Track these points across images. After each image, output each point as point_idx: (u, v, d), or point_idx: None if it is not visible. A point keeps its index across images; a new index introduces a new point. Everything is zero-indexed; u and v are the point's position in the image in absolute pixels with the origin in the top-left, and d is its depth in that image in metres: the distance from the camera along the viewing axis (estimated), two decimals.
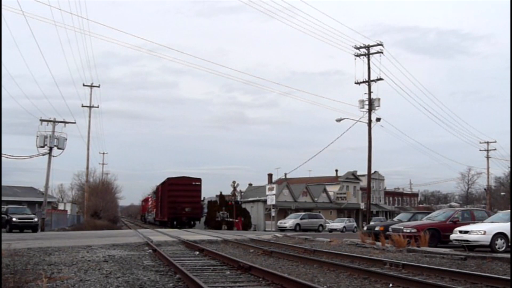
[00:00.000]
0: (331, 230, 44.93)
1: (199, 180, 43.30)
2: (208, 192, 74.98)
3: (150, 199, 71.61)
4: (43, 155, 37.96)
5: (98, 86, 52.40)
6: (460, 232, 17.38)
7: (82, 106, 51.83)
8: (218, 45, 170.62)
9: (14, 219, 31.47)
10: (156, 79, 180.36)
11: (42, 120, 38.01)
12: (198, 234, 25.39)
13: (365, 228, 29.11)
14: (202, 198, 45.96)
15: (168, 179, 43.50)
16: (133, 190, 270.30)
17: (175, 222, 40.50)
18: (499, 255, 14.48)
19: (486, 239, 16.58)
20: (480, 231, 16.83)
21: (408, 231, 19.73)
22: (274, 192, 43.10)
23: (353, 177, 79.58)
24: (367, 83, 35.76)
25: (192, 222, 41.65)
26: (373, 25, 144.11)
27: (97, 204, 60.93)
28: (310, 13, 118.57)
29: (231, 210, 46.12)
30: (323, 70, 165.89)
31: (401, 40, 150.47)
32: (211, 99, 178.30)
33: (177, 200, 40.85)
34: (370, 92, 35.64)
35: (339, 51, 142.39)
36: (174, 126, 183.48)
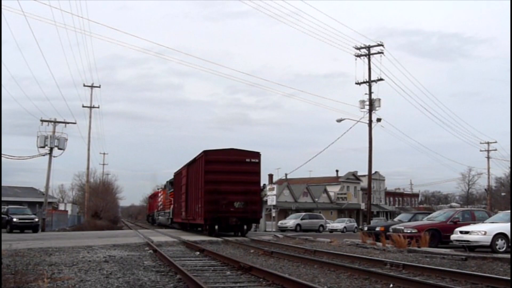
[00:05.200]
0: (331, 231, 44.94)
1: (258, 155, 25.28)
2: None
3: (161, 194, 50.67)
4: (43, 155, 38.05)
5: (99, 87, 52.69)
6: (461, 232, 17.38)
7: (83, 106, 52.07)
8: (224, 47, 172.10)
9: (14, 220, 31.56)
10: (162, 81, 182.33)
11: (42, 121, 38.09)
12: (198, 235, 25.41)
13: (365, 228, 29.12)
14: (262, 186, 27.16)
15: (205, 153, 24.87)
16: (134, 191, 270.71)
17: (216, 226, 23.97)
18: (499, 255, 14.47)
19: (487, 240, 16.58)
20: (481, 231, 16.83)
21: (409, 231, 19.74)
22: (274, 192, 43.08)
23: (354, 177, 79.61)
24: (367, 84, 35.79)
25: (245, 227, 24.88)
26: (377, 28, 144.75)
27: (98, 204, 60.99)
28: (315, 16, 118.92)
29: None
30: (327, 73, 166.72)
31: (404, 43, 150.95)
32: (215, 100, 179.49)
33: (221, 188, 23.75)
34: (370, 93, 35.68)
35: (343, 54, 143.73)
36: (178, 127, 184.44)
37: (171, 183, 39.61)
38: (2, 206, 32.67)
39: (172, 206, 37.51)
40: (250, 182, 24.63)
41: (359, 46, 36.47)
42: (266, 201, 29.55)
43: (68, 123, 39.20)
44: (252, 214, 24.61)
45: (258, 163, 25.17)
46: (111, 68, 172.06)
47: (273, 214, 44.04)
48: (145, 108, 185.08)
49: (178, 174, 34.23)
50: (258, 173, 25.38)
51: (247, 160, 24.83)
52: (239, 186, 24.15)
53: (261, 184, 25.96)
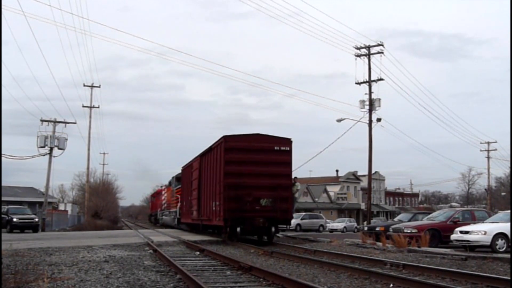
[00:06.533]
0: (331, 231, 44.97)
1: (289, 142, 20.84)
2: None
3: (165, 192, 46.20)
4: (43, 155, 38.09)
5: (99, 87, 52.67)
6: (461, 232, 17.39)
7: (83, 106, 52.08)
8: (225, 48, 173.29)
9: (14, 220, 31.58)
10: (163, 81, 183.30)
11: (42, 121, 38.12)
12: (198, 235, 25.40)
13: (365, 228, 29.12)
14: (293, 180, 22.06)
15: (225, 139, 20.33)
16: (134, 191, 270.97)
17: (238, 229, 19.59)
18: (499, 255, 14.47)
19: (487, 240, 16.59)
20: (481, 231, 16.83)
21: (409, 231, 19.73)
22: None
23: (354, 177, 79.65)
24: (367, 83, 35.79)
25: (273, 229, 20.18)
26: (378, 29, 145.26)
27: (98, 204, 61.01)
28: (316, 16, 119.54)
29: None
30: (328, 73, 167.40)
31: (405, 44, 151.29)
32: (216, 101, 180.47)
33: (244, 182, 19.61)
34: (370, 92, 35.67)
35: (344, 54, 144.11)
36: (178, 127, 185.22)
37: (177, 178, 35.42)
38: (2, 206, 32.68)
39: (179, 204, 33.34)
40: (280, 174, 20.17)
41: (359, 46, 36.48)
42: (297, 198, 24.99)
43: (68, 123, 39.25)
44: (282, 214, 19.96)
45: (289, 152, 20.63)
46: (112, 68, 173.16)
47: None
48: (146, 109, 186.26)
49: (187, 168, 29.59)
50: (289, 164, 20.73)
51: (276, 148, 20.41)
52: (266, 179, 19.82)
53: (293, 177, 21.63)
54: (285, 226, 21.72)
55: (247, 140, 20.34)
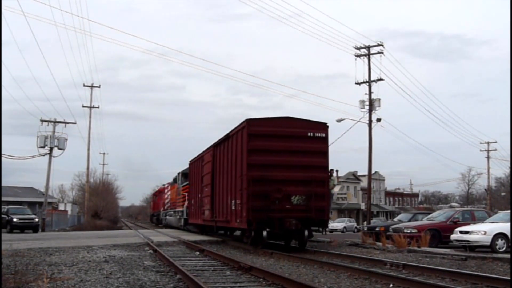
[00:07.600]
0: (331, 231, 44.94)
1: (325, 127, 17.25)
2: None
3: (168, 190, 42.57)
4: (43, 155, 38.09)
5: (99, 87, 52.68)
6: (461, 232, 17.39)
7: (83, 106, 52.10)
8: (226, 49, 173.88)
9: (14, 220, 31.60)
10: (164, 82, 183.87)
11: (42, 121, 38.13)
12: (198, 235, 25.39)
13: (365, 228, 29.12)
14: (329, 173, 18.66)
15: (249, 123, 16.55)
16: (134, 191, 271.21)
17: (265, 232, 15.99)
18: (499, 255, 14.48)
19: (487, 240, 16.59)
20: (481, 231, 16.83)
21: (409, 231, 19.74)
22: None
23: (354, 177, 79.65)
24: (367, 84, 35.77)
25: (306, 232, 16.48)
26: (378, 30, 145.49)
27: (98, 204, 61.01)
28: (317, 17, 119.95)
29: None
30: (329, 73, 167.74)
31: (405, 45, 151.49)
32: (217, 101, 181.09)
33: (272, 175, 16.18)
34: (370, 93, 35.65)
35: (344, 55, 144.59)
36: (179, 128, 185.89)
37: (184, 174, 31.72)
38: (2, 206, 32.69)
39: (186, 203, 29.79)
40: (314, 166, 16.73)
41: (359, 46, 36.47)
42: (333, 195, 19.96)
43: (68, 123, 39.25)
44: (317, 214, 16.42)
45: (325, 139, 17.12)
46: (114, 69, 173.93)
47: None
48: (147, 109, 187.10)
49: (197, 161, 25.82)
50: (325, 154, 17.15)
51: (310, 134, 16.86)
52: (298, 172, 16.44)
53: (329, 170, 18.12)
54: (320, 229, 18.38)
55: (275, 124, 16.91)
